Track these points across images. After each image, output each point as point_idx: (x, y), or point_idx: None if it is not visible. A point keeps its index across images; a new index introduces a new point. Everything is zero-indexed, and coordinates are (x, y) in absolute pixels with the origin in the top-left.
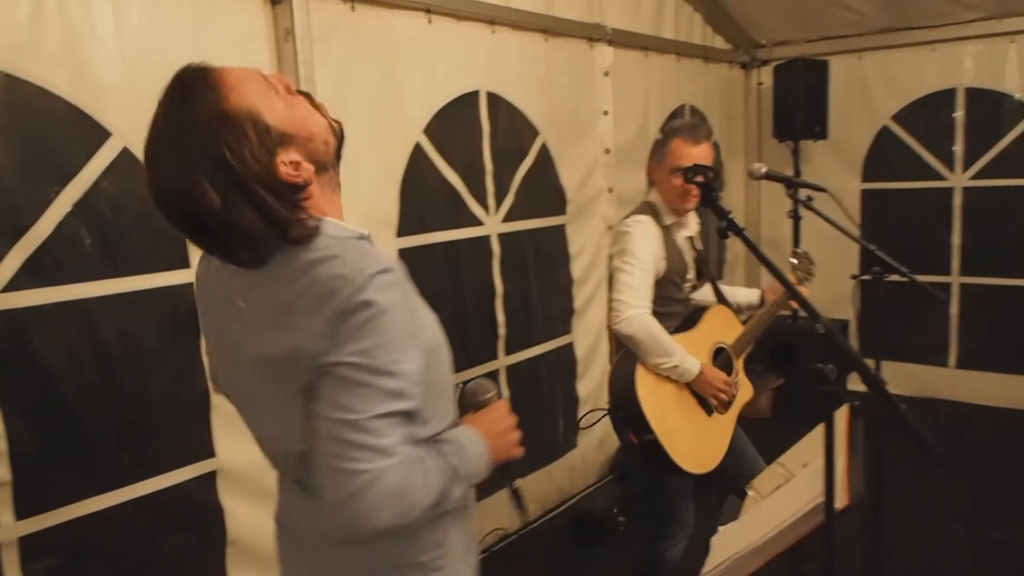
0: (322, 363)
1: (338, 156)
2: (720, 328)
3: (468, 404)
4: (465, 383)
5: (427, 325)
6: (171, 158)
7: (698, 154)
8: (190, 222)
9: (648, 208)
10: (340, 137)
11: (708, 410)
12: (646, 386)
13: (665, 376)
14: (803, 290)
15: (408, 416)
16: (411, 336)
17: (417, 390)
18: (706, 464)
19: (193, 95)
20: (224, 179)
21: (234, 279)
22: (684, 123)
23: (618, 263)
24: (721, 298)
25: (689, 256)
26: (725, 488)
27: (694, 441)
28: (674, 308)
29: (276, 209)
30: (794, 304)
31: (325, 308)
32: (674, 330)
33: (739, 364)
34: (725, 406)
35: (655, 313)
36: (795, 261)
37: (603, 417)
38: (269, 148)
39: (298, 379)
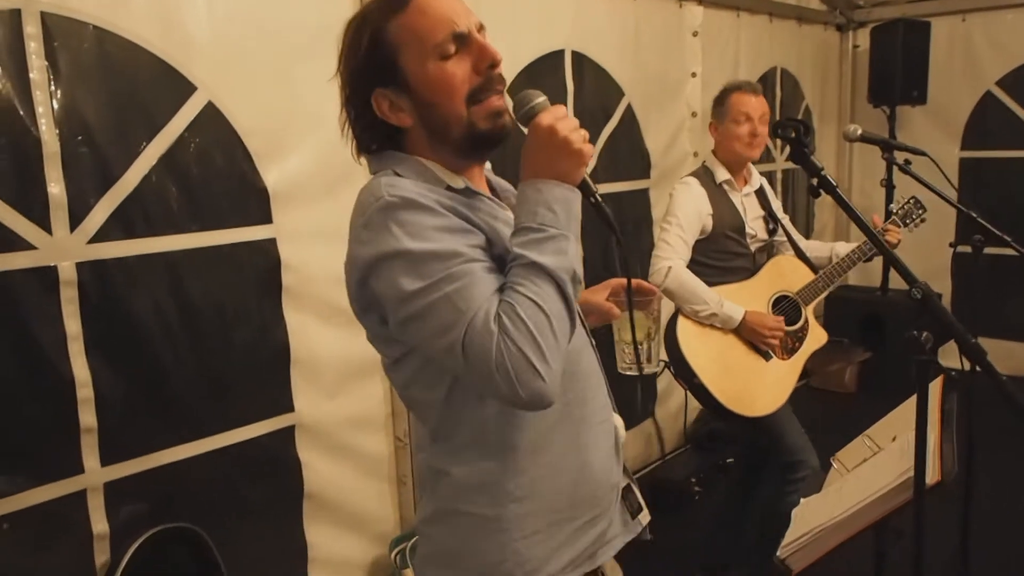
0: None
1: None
2: (784, 277)
3: (518, 118)
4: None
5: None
6: None
7: (759, 104)
8: None
9: (699, 172)
10: None
11: (766, 355)
12: (688, 332)
13: (709, 324)
14: (898, 232)
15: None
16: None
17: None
18: (760, 407)
19: None
20: None
21: None
22: (739, 80)
23: (662, 223)
24: (796, 249)
25: (751, 214)
26: (749, 458)
27: (746, 385)
28: (736, 263)
29: None
30: (893, 238)
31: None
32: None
33: (808, 311)
34: (788, 352)
35: (714, 269)
36: (894, 207)
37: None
38: None
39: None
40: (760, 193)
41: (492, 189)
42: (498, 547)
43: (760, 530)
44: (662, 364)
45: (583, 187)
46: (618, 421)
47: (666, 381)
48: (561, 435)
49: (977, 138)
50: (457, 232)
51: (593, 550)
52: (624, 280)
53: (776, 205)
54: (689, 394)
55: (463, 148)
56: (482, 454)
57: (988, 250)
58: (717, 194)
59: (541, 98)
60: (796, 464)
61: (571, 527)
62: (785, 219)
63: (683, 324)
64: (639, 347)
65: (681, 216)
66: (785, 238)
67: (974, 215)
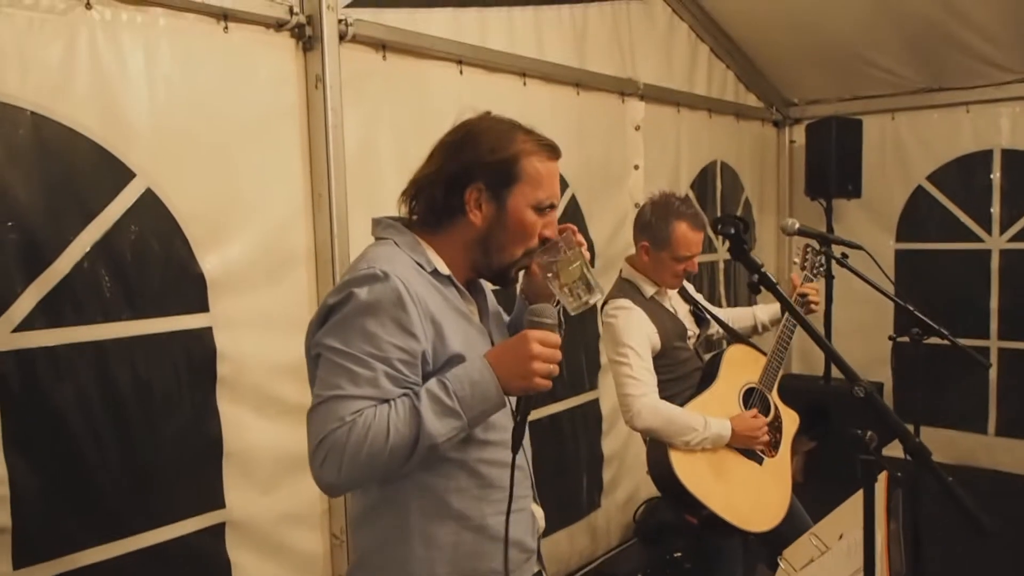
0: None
1: None
2: (742, 368)
3: (527, 323)
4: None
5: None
6: None
7: (699, 241)
8: None
9: (625, 288)
10: None
11: (758, 459)
12: (683, 463)
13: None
14: (814, 286)
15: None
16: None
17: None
18: (774, 516)
19: None
20: None
21: None
22: (685, 206)
23: (613, 356)
24: (734, 335)
25: (683, 311)
26: (775, 551)
27: (754, 498)
28: (686, 368)
29: None
30: (813, 306)
31: None
32: (696, 390)
33: (774, 396)
34: (774, 446)
35: (670, 381)
36: (797, 261)
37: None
38: None
39: None
40: (682, 290)
41: (472, 283)
42: None
43: None
44: (600, 292)
45: (520, 402)
46: (538, 512)
47: (613, 471)
48: (471, 511)
49: (911, 230)
50: (403, 332)
51: None
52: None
53: (691, 289)
54: (648, 486)
55: (484, 269)
56: (393, 515)
57: (930, 339)
58: (652, 308)
59: (550, 320)
60: None
61: None
62: (700, 298)
63: (675, 457)
64: (578, 284)
65: (635, 345)
66: (711, 320)
67: (911, 308)
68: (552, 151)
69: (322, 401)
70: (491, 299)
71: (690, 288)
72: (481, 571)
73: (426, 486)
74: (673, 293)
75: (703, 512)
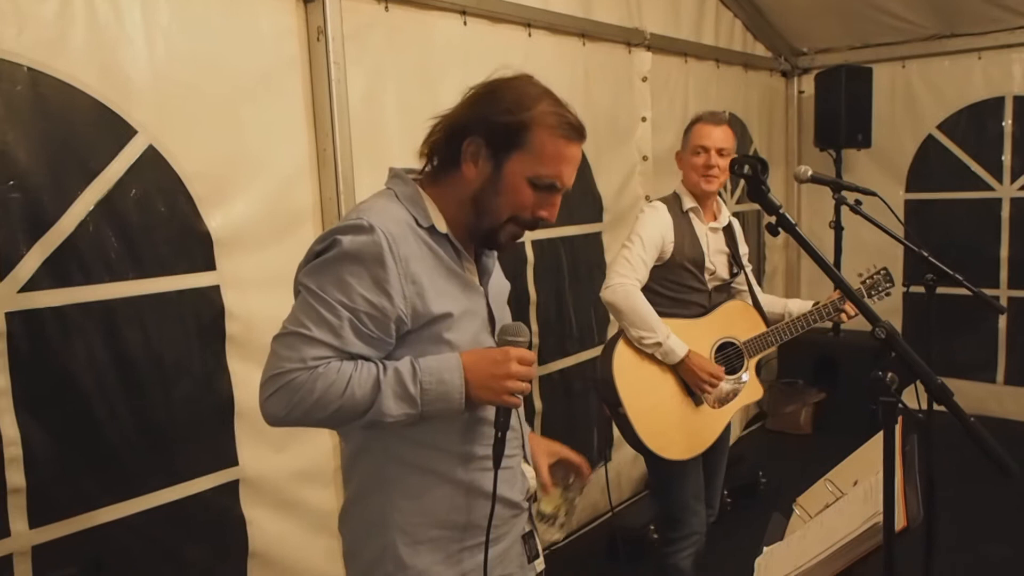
0: None
1: None
2: (735, 323)
3: (499, 341)
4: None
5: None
6: None
7: (719, 135)
8: None
9: (669, 197)
10: None
11: (697, 400)
12: (624, 359)
13: (649, 355)
14: (851, 310)
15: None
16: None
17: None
18: (680, 452)
19: None
20: None
21: None
22: (707, 111)
23: (625, 242)
24: (754, 299)
25: (713, 248)
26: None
27: (671, 425)
28: (690, 297)
29: None
30: (846, 315)
31: None
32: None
33: (751, 363)
34: (721, 402)
35: (666, 297)
36: (862, 274)
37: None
38: None
39: None
40: (728, 231)
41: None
42: (382, 549)
43: None
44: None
45: (498, 415)
46: (528, 471)
47: None
48: (455, 464)
49: (921, 180)
50: (377, 289)
51: None
52: (573, 461)
53: (743, 251)
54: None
55: (475, 231)
56: (373, 463)
57: (940, 289)
58: (682, 222)
59: (523, 339)
60: (675, 522)
61: (458, 546)
62: (748, 268)
63: (621, 350)
64: (554, 518)
65: (645, 237)
66: (745, 285)
67: (926, 254)
68: (573, 132)
69: (286, 333)
70: (499, 273)
71: (743, 249)
72: (463, 524)
73: (410, 438)
74: (717, 230)
75: (619, 410)
